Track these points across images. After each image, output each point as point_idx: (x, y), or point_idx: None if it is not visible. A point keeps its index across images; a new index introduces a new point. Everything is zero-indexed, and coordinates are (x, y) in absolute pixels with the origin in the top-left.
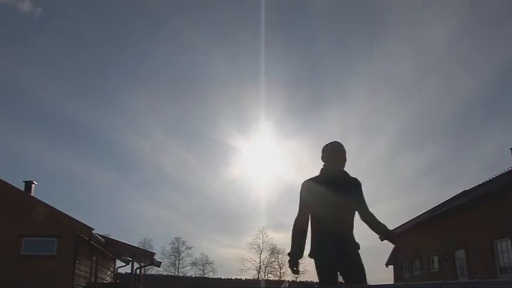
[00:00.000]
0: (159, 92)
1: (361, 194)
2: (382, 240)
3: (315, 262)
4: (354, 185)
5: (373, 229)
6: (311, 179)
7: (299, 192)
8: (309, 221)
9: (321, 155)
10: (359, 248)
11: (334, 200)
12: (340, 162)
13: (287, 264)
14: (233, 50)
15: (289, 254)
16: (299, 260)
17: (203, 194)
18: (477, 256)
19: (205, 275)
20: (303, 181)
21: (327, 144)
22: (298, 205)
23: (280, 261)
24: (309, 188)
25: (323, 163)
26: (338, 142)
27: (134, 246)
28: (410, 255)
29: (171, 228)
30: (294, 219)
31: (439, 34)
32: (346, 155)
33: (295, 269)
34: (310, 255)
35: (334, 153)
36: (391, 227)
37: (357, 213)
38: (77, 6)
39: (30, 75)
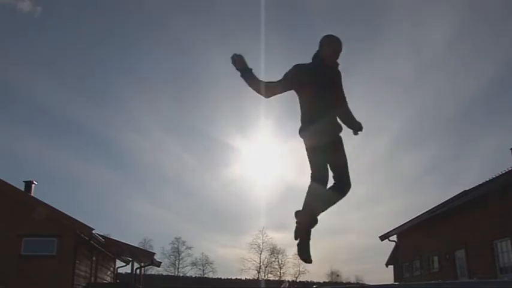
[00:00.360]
0: (158, 91)
1: (341, 85)
2: (355, 134)
3: (305, 139)
4: (339, 76)
5: (346, 123)
6: (303, 63)
7: (287, 71)
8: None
9: (321, 43)
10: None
11: (323, 90)
12: (333, 54)
13: (287, 264)
14: (233, 50)
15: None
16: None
17: (203, 193)
18: (477, 256)
19: (205, 275)
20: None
21: (329, 38)
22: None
23: (280, 261)
24: (298, 70)
25: (319, 50)
26: (339, 40)
27: (134, 246)
28: (410, 255)
29: (171, 228)
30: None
31: (439, 33)
32: (342, 46)
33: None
34: (301, 130)
35: (333, 50)
36: (391, 227)
37: None
38: (76, 6)
39: (30, 74)
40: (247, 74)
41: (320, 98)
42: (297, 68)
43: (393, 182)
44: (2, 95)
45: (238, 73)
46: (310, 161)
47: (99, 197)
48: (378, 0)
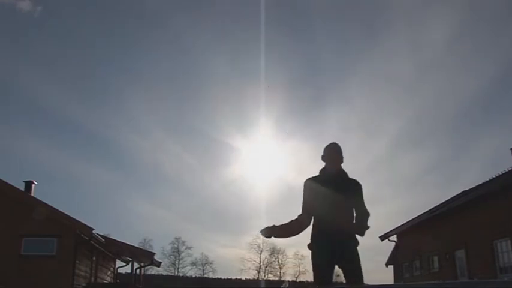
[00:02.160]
0: (158, 92)
1: (361, 196)
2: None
3: (312, 255)
4: (353, 186)
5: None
6: (312, 178)
7: (302, 191)
8: (311, 220)
9: (321, 154)
10: (357, 244)
11: (333, 199)
12: (339, 162)
13: (287, 264)
14: (233, 50)
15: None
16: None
17: (203, 193)
18: (477, 256)
19: (205, 275)
20: (305, 180)
21: (327, 145)
22: (301, 203)
23: (280, 261)
24: (311, 187)
25: (323, 163)
26: (336, 143)
27: (134, 246)
28: (410, 255)
29: (171, 228)
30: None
31: (439, 33)
32: (343, 154)
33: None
34: (309, 246)
35: (333, 154)
36: (391, 227)
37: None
38: (76, 5)
39: (29, 74)
40: (276, 233)
41: (321, 219)
42: (310, 186)
43: (393, 182)
44: (2, 95)
45: (240, 73)
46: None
47: (99, 197)
48: (378, 0)
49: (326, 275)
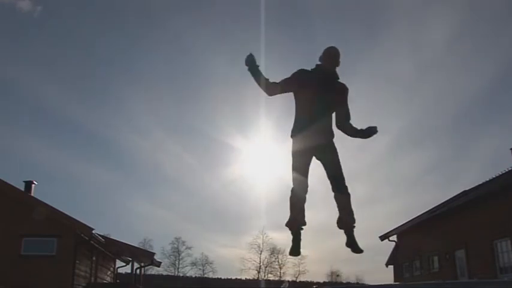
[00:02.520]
0: (158, 91)
1: (346, 99)
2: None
3: (293, 143)
4: (341, 87)
5: (350, 134)
6: (305, 69)
7: (292, 73)
8: (277, 93)
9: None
10: (333, 137)
11: (321, 91)
12: (335, 64)
13: (287, 264)
14: (233, 50)
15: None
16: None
17: (203, 193)
18: (477, 256)
19: (205, 275)
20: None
21: (328, 47)
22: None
23: (280, 261)
24: (301, 72)
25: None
26: (336, 47)
27: (134, 246)
28: (410, 255)
29: (171, 228)
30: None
31: (439, 33)
32: (340, 59)
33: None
34: (292, 135)
35: (331, 55)
36: (391, 227)
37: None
38: (76, 5)
39: (29, 74)
40: (254, 69)
41: (315, 101)
42: (300, 70)
43: (393, 182)
44: (2, 95)
45: (240, 73)
46: (292, 165)
47: (99, 197)
48: (377, 0)
49: (304, 163)
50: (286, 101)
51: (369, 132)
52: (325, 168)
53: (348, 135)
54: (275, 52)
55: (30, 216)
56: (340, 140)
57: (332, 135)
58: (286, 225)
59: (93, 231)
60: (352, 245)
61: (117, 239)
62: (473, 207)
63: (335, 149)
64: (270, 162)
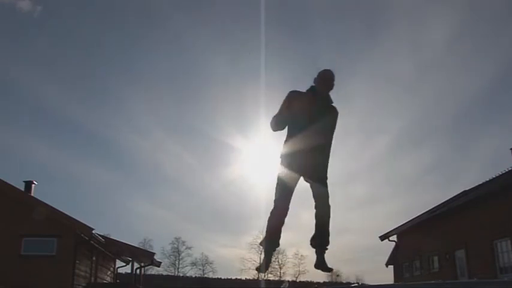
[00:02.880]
0: (158, 91)
1: (335, 125)
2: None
3: (280, 166)
4: (333, 115)
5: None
6: (298, 91)
7: (285, 97)
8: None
9: (315, 77)
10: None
11: (314, 115)
12: (329, 88)
13: (287, 264)
14: (233, 49)
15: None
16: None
17: (203, 193)
18: (477, 256)
19: (205, 275)
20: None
21: (323, 70)
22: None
23: (280, 261)
24: (294, 95)
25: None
26: (331, 70)
27: (134, 246)
28: (410, 255)
29: (171, 228)
30: (272, 119)
31: (439, 33)
32: (335, 82)
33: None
34: (280, 160)
35: (326, 79)
36: (391, 227)
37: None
38: (76, 5)
39: (29, 74)
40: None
41: (307, 125)
42: (292, 92)
43: (393, 182)
44: (2, 94)
45: (240, 73)
46: (276, 186)
47: (99, 197)
48: (377, 0)
49: (287, 189)
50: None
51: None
52: (312, 188)
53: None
54: (275, 52)
55: (30, 216)
56: (340, 140)
57: (323, 158)
58: (261, 244)
59: (93, 231)
60: (322, 265)
61: (117, 239)
62: (473, 207)
63: (325, 178)
64: (270, 162)
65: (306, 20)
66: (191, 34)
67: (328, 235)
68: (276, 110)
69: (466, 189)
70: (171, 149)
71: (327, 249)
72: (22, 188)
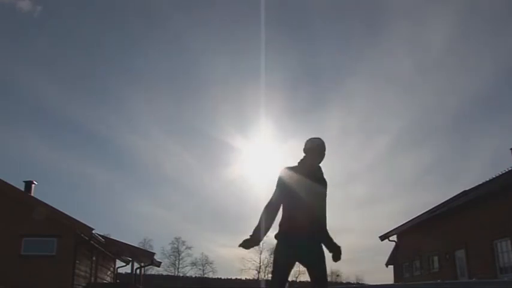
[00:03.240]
0: (158, 91)
1: (325, 199)
2: (334, 259)
3: (276, 249)
4: (324, 186)
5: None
6: (291, 167)
7: (278, 177)
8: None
9: (304, 146)
10: (322, 244)
11: (310, 195)
12: (320, 160)
13: None
14: (233, 50)
15: (252, 235)
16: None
17: (203, 193)
18: (477, 256)
19: (205, 275)
20: (283, 168)
21: (312, 139)
22: (274, 189)
23: None
24: (289, 176)
25: (304, 154)
26: (322, 140)
27: (134, 246)
28: (410, 255)
29: (171, 228)
30: (267, 202)
31: (440, 33)
32: (326, 151)
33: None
34: (276, 237)
35: (317, 151)
36: (391, 227)
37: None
38: (76, 5)
39: (29, 74)
40: (257, 235)
41: (303, 201)
42: (285, 171)
43: (393, 182)
44: (2, 94)
45: (240, 73)
46: (273, 266)
47: (99, 197)
48: (378, 0)
49: (284, 276)
50: (286, 101)
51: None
52: (309, 272)
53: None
54: (275, 52)
55: (30, 216)
56: (340, 140)
57: (322, 236)
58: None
59: (93, 231)
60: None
61: (117, 239)
62: (473, 207)
63: (322, 254)
64: (270, 162)
65: (306, 20)
66: (191, 34)
67: None
68: (275, 110)
69: (466, 189)
70: (171, 149)
71: None
72: (22, 188)
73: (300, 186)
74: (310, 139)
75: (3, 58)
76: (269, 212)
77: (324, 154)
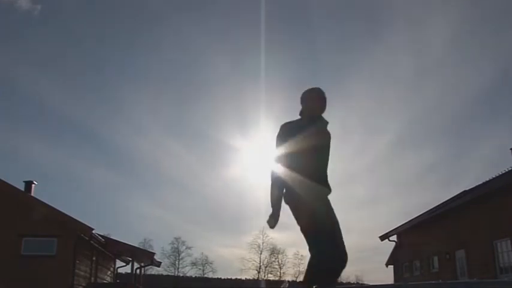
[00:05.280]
0: (158, 91)
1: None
2: None
3: (302, 205)
4: (329, 137)
5: None
6: (291, 122)
7: (277, 137)
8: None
9: (302, 97)
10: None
11: (317, 147)
12: (321, 106)
13: (287, 264)
14: (233, 50)
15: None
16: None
17: (203, 193)
18: (477, 256)
19: (205, 275)
20: (281, 124)
21: (311, 89)
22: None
23: (280, 261)
24: (289, 130)
25: (302, 106)
26: (319, 87)
27: (134, 246)
28: (410, 255)
29: (171, 228)
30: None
31: (440, 33)
32: (323, 93)
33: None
34: (289, 197)
35: (315, 94)
36: (391, 227)
37: None
38: (76, 4)
39: (29, 74)
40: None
41: (310, 157)
42: (285, 127)
43: (393, 182)
44: (2, 94)
45: (240, 73)
46: (309, 231)
47: (99, 197)
48: (378, 0)
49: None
50: (286, 102)
51: None
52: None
53: None
54: (275, 52)
55: (30, 216)
56: (341, 140)
57: (329, 190)
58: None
59: (93, 231)
60: None
61: (117, 239)
62: (473, 207)
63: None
64: (270, 162)
65: (306, 20)
66: (191, 34)
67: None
68: (275, 110)
69: (466, 189)
70: (171, 149)
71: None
72: (22, 188)
73: (303, 141)
74: (308, 90)
75: (2, 57)
76: (279, 186)
77: (324, 99)
